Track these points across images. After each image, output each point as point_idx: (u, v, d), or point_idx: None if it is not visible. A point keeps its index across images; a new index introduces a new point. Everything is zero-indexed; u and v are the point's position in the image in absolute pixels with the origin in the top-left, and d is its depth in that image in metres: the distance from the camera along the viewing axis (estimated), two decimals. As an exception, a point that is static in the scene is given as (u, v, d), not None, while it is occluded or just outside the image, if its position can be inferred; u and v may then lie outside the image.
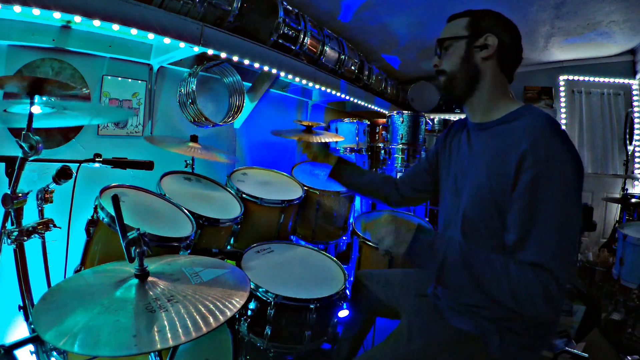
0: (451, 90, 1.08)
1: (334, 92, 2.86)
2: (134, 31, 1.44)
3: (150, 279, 0.93)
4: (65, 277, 1.29)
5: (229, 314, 0.83)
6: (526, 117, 0.96)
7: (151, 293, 0.87)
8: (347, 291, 1.53)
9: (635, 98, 4.12)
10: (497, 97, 1.04)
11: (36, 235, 1.11)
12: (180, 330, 0.75)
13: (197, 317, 0.80)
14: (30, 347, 1.02)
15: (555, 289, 0.82)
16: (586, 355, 1.44)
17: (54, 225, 1.16)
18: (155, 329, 0.74)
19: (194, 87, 2.03)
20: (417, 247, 0.93)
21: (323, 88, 2.69)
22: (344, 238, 2.43)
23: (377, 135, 3.87)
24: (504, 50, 1.02)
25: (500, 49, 1.01)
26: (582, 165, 0.89)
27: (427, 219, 2.37)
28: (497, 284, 0.86)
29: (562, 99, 4.43)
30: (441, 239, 0.95)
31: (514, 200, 0.89)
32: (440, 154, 1.25)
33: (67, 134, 1.68)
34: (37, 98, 1.01)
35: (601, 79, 4.26)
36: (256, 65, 2.01)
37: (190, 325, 0.77)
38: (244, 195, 1.82)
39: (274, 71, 2.16)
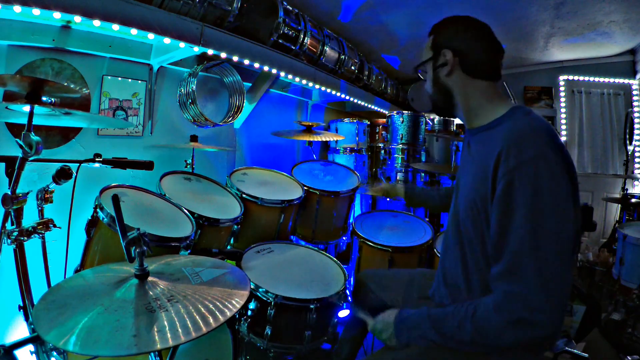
0: (438, 110, 1.13)
1: (334, 92, 2.86)
2: (134, 31, 1.44)
3: (150, 279, 0.93)
4: (65, 277, 1.29)
5: (228, 314, 0.83)
6: (506, 122, 0.93)
7: (151, 293, 0.87)
8: (347, 291, 1.53)
9: (635, 98, 4.12)
10: (479, 104, 1.02)
11: (36, 235, 1.12)
12: (180, 330, 0.75)
13: (197, 317, 0.80)
14: (30, 347, 1.02)
15: (522, 310, 0.78)
16: (586, 355, 1.43)
17: (54, 225, 1.17)
18: (155, 329, 0.75)
19: (194, 87, 2.03)
20: (404, 341, 0.96)
21: (323, 88, 2.69)
22: (344, 238, 2.43)
23: (377, 135, 3.87)
24: (466, 58, 1.00)
25: (461, 59, 1.00)
26: (568, 169, 0.84)
27: (427, 219, 2.36)
28: (462, 327, 0.86)
29: (562, 99, 4.43)
30: (416, 325, 0.95)
31: (492, 210, 0.87)
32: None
33: (67, 134, 1.69)
34: (37, 108, 1.02)
35: (601, 79, 4.26)
36: (256, 65, 2.01)
37: (190, 325, 0.77)
38: (244, 195, 1.82)
39: (274, 71, 2.16)
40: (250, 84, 2.49)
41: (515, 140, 0.86)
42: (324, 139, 2.60)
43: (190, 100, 2.06)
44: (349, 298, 1.52)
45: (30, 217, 1.13)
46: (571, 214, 0.83)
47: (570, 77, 4.39)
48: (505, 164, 0.84)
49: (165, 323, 0.77)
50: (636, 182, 4.09)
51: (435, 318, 0.92)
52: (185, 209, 1.49)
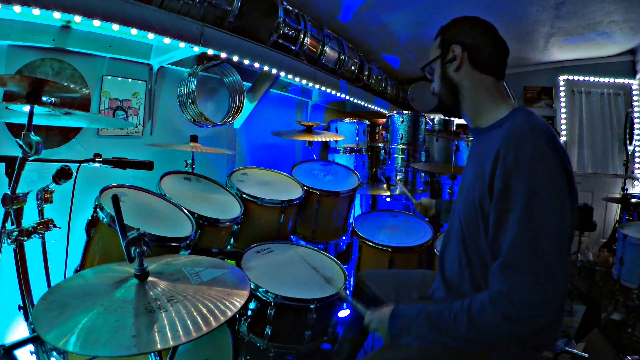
0: (443, 109, 1.12)
1: (334, 92, 2.86)
2: (134, 31, 1.44)
3: (150, 279, 0.93)
4: (65, 277, 1.29)
5: (229, 313, 0.83)
6: (506, 124, 0.95)
7: (151, 293, 0.87)
8: (347, 291, 1.53)
9: (635, 98, 4.12)
10: (483, 101, 1.03)
11: (36, 235, 1.12)
12: (180, 330, 0.75)
13: (198, 317, 0.80)
14: (30, 347, 1.02)
15: (515, 306, 0.79)
16: (586, 355, 1.43)
17: (54, 225, 1.17)
18: (155, 329, 0.75)
19: (194, 87, 2.03)
20: (396, 334, 0.95)
21: (323, 88, 2.69)
22: (344, 238, 2.43)
23: (377, 135, 3.86)
24: (475, 53, 1.01)
25: (470, 54, 1.01)
26: (565, 166, 0.85)
27: (428, 219, 2.36)
28: (457, 321, 0.85)
29: (562, 99, 4.43)
30: (411, 320, 0.94)
31: (491, 210, 0.88)
32: None
33: (67, 134, 1.68)
34: (37, 108, 1.02)
35: (601, 79, 4.26)
36: (256, 65, 2.01)
37: (190, 325, 0.77)
38: (244, 195, 1.82)
39: (274, 71, 2.16)
40: (250, 84, 2.49)
41: (514, 139, 0.87)
42: (324, 139, 2.60)
43: (190, 100, 2.06)
44: (349, 298, 1.52)
45: (30, 217, 1.13)
46: (568, 210, 0.84)
47: (570, 77, 4.39)
48: (503, 163, 0.85)
49: (166, 323, 0.77)
50: (636, 182, 4.09)
51: (430, 313, 0.91)
52: (185, 209, 1.49)
